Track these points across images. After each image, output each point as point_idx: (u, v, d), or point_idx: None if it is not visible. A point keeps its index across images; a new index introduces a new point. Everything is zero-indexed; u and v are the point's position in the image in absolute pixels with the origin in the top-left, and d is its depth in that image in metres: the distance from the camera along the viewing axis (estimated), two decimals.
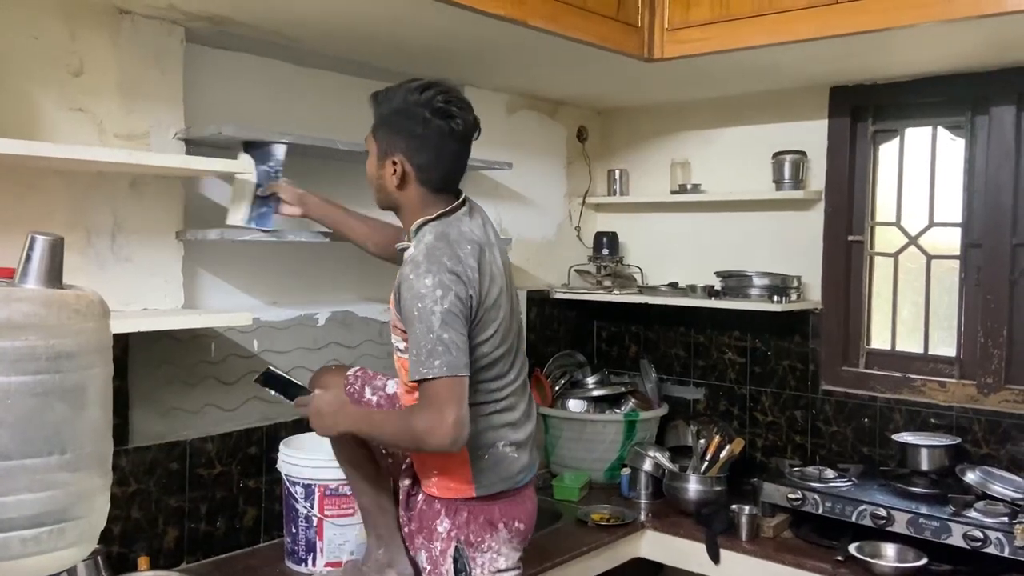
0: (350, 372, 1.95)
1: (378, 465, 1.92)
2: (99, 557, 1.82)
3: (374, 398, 1.92)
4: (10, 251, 1.63)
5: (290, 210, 2.07)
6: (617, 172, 3.23)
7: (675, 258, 3.12)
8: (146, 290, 2.00)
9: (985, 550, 2.09)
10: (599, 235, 3.18)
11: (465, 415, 1.59)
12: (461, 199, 1.76)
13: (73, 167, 1.83)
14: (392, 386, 1.92)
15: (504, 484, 1.74)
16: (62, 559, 1.21)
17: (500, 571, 1.74)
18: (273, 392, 1.90)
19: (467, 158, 1.76)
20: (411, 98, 1.68)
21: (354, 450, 1.92)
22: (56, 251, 1.20)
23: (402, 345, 1.73)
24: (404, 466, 1.84)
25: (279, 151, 2.03)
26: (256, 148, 2.03)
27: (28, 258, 1.19)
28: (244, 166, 2.00)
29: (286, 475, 2.13)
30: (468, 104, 1.72)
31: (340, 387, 1.89)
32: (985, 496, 2.25)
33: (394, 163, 1.70)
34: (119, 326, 1.35)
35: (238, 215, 2.04)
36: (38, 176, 1.82)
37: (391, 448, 1.86)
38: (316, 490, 2.08)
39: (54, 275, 1.20)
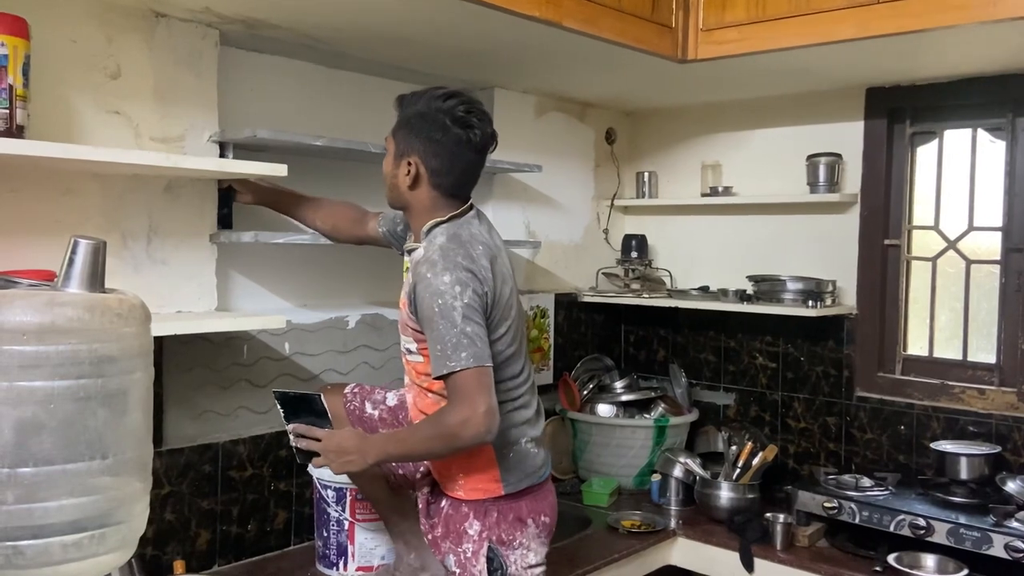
0: (347, 389, 1.96)
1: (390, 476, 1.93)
2: (133, 560, 1.82)
3: (375, 412, 1.93)
4: (48, 253, 1.65)
5: (243, 198, 2.11)
6: (646, 174, 3.20)
7: (705, 261, 3.08)
8: (180, 292, 2.01)
9: None
10: (627, 238, 3.15)
11: (495, 404, 1.61)
12: (469, 204, 1.80)
13: (110, 170, 1.83)
14: (392, 398, 1.93)
15: (529, 480, 1.76)
16: (103, 564, 1.21)
17: (531, 567, 1.76)
18: (281, 412, 1.80)
19: (481, 168, 1.81)
20: (434, 104, 1.72)
21: None
22: (98, 255, 1.20)
23: (413, 346, 1.75)
24: (420, 475, 1.85)
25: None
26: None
27: (71, 262, 1.19)
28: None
29: (318, 478, 2.12)
30: (488, 117, 1.77)
31: (347, 422, 1.88)
32: None
33: (409, 164, 1.74)
34: (155, 329, 1.34)
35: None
36: (75, 179, 1.83)
37: (424, 459, 1.82)
38: (348, 494, 2.07)
39: (96, 279, 1.20)
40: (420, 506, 1.86)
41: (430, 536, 1.82)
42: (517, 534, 1.74)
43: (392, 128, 1.80)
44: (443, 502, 1.78)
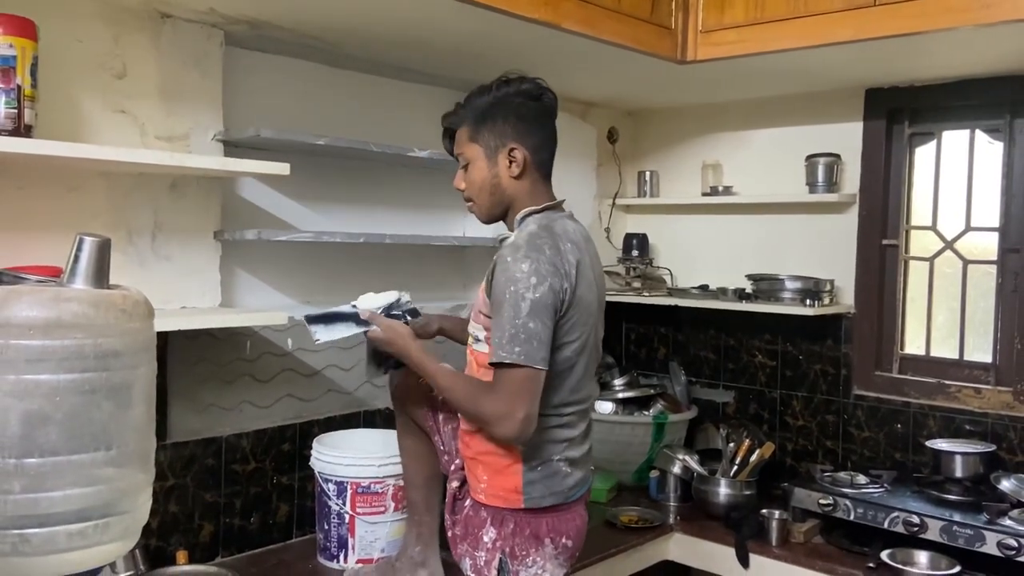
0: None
1: (437, 463, 1.91)
2: (137, 550, 1.86)
3: None
4: (56, 250, 1.68)
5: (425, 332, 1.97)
6: (647, 173, 3.22)
7: (705, 260, 3.11)
8: (185, 289, 2.04)
9: (1019, 559, 2.06)
10: (629, 236, 3.17)
11: (535, 412, 1.56)
12: (562, 200, 1.77)
13: (116, 168, 1.87)
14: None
15: (554, 498, 1.69)
16: (106, 553, 1.24)
17: None
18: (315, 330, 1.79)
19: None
20: (500, 92, 1.72)
21: (418, 444, 1.93)
22: (103, 252, 1.24)
23: (481, 334, 1.68)
24: (454, 467, 1.82)
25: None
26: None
27: (76, 259, 1.22)
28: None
29: (319, 472, 2.15)
30: (546, 83, 1.76)
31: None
32: (1020, 504, 2.22)
33: (511, 151, 1.69)
34: (160, 324, 1.37)
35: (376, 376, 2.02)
36: (82, 177, 1.87)
37: (448, 401, 1.74)
38: (348, 487, 2.10)
39: (101, 276, 1.23)
40: (447, 500, 1.82)
41: (450, 533, 1.78)
42: (531, 551, 1.67)
43: (466, 136, 1.73)
44: (467, 502, 1.75)
